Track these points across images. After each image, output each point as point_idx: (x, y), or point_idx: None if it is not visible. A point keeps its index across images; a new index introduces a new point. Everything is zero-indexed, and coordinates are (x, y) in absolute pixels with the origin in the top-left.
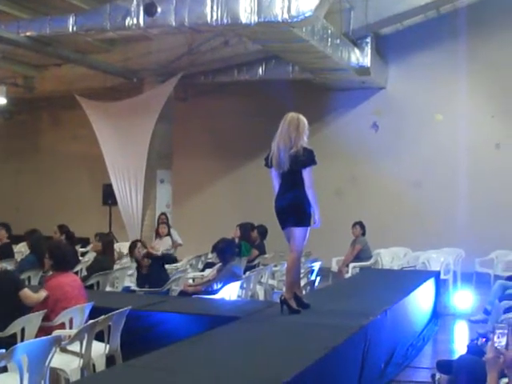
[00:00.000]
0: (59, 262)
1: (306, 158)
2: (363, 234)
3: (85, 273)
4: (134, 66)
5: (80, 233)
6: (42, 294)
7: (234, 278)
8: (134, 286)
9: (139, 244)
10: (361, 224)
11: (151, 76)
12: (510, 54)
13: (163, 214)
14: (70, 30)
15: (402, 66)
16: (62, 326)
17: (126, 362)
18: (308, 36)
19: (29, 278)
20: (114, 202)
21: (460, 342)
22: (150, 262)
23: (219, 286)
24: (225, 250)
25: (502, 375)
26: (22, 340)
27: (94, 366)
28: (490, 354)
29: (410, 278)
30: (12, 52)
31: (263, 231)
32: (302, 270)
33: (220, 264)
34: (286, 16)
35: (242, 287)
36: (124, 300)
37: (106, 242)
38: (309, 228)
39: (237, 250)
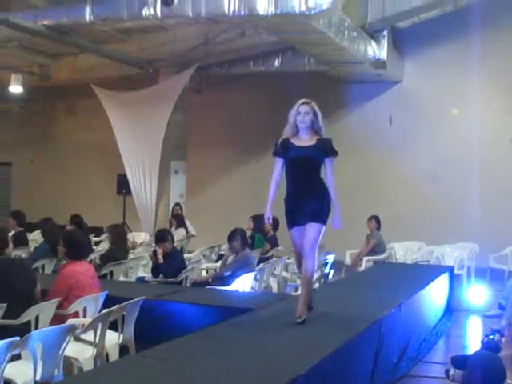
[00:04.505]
0: (72, 250)
1: None
2: (378, 228)
3: (99, 262)
4: (149, 56)
5: (94, 222)
6: None
7: (248, 265)
8: (147, 276)
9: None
10: (376, 218)
11: (166, 66)
12: None
13: (177, 204)
14: (87, 19)
15: (418, 60)
16: (75, 314)
17: (140, 352)
18: (325, 28)
19: (43, 266)
20: (129, 192)
21: (473, 338)
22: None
23: (235, 268)
24: (240, 237)
25: None
26: (36, 328)
27: (107, 355)
28: (509, 350)
29: (424, 273)
30: (28, 40)
31: (275, 223)
32: (316, 263)
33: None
34: (303, 8)
35: (255, 279)
36: (138, 290)
37: (116, 233)
38: (268, 218)
39: (249, 242)
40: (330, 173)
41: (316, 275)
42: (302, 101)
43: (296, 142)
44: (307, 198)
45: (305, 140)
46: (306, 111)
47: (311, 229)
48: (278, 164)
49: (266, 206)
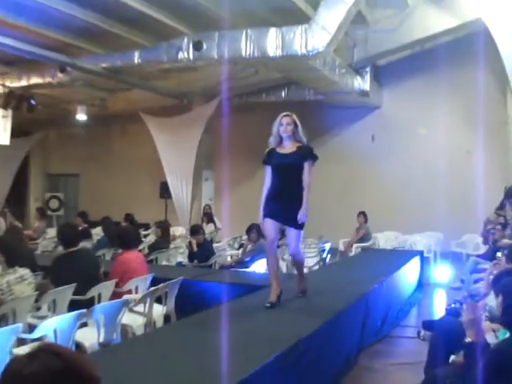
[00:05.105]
0: (125, 241)
1: None
2: (365, 221)
3: (147, 251)
4: (184, 89)
5: (142, 219)
6: None
7: (263, 252)
8: (184, 261)
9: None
10: (364, 213)
11: (198, 97)
12: (476, 82)
13: (207, 205)
14: (136, 62)
15: (394, 90)
16: (129, 292)
17: (179, 320)
18: (320, 66)
19: (103, 255)
20: (169, 196)
21: (439, 306)
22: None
23: (253, 254)
24: (256, 230)
25: None
26: (99, 302)
27: (154, 323)
28: (468, 316)
29: (400, 256)
30: (91, 79)
31: None
32: (315, 250)
33: (252, 244)
34: (304, 51)
35: None
36: (177, 272)
37: (164, 227)
38: (262, 220)
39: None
40: (306, 174)
41: (316, 259)
42: (284, 113)
43: (280, 150)
44: (287, 203)
45: (287, 148)
46: (287, 122)
47: (294, 234)
48: (268, 171)
49: (260, 210)
